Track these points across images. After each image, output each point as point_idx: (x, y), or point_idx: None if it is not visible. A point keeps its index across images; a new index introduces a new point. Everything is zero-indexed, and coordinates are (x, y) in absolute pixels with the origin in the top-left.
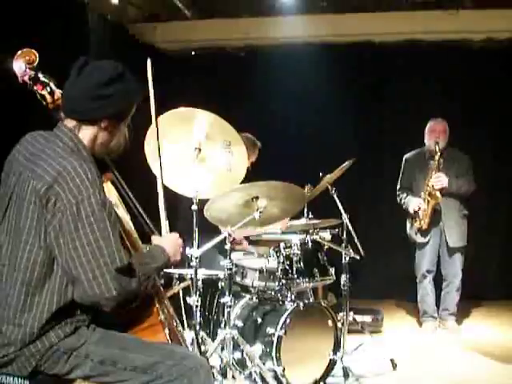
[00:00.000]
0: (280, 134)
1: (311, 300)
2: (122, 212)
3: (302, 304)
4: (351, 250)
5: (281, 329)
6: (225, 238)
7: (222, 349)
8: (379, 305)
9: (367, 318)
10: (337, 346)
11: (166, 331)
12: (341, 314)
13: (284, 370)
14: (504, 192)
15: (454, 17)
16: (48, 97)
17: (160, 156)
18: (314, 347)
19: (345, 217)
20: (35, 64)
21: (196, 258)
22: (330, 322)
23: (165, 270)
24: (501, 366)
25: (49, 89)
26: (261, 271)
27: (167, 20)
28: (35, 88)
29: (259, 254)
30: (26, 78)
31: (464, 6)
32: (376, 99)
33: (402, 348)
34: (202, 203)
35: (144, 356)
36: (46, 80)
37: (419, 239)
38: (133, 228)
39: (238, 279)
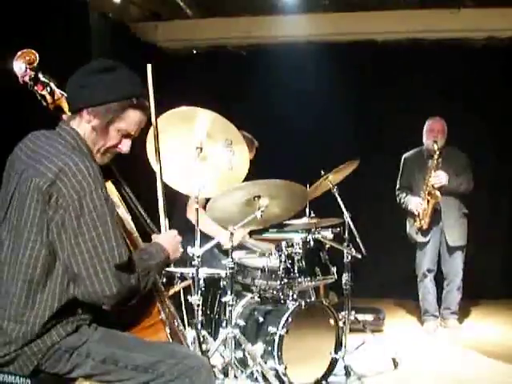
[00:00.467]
0: (281, 133)
1: (313, 299)
2: (122, 212)
3: (303, 303)
4: (353, 249)
5: (282, 328)
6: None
7: (224, 348)
8: (381, 304)
9: (369, 317)
10: (338, 345)
11: (167, 330)
12: (342, 313)
13: (286, 368)
14: (505, 191)
15: (456, 16)
16: (48, 97)
17: (159, 155)
18: (315, 346)
19: (346, 216)
20: (35, 64)
21: (198, 256)
22: (331, 321)
23: (166, 269)
24: (502, 365)
25: (49, 89)
26: (262, 270)
27: (169, 19)
28: (35, 88)
29: (261, 253)
30: (27, 79)
31: (466, 5)
32: (377, 98)
33: (403, 347)
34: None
35: (145, 355)
36: (47, 80)
37: (420, 239)
38: (134, 228)
39: (239, 278)
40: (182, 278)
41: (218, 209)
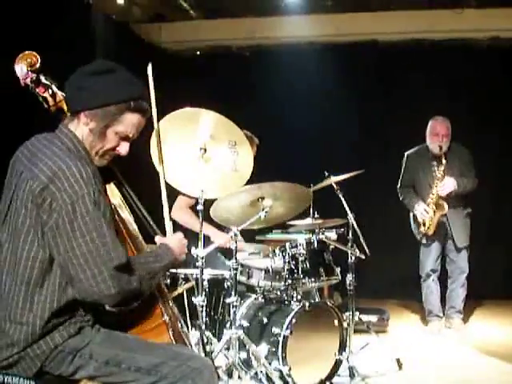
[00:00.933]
0: (284, 133)
1: (317, 300)
2: (125, 214)
3: (307, 304)
4: (357, 250)
5: (287, 329)
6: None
7: (228, 349)
8: (385, 304)
9: (373, 318)
10: (343, 346)
11: (171, 332)
12: (346, 314)
13: (290, 369)
14: (509, 191)
15: (459, 16)
16: (50, 99)
17: (162, 157)
18: (319, 347)
19: (350, 216)
20: (37, 66)
21: (202, 258)
22: (335, 322)
23: (170, 271)
24: (507, 365)
25: (50, 91)
26: (266, 271)
27: (172, 20)
28: (37, 90)
29: (265, 254)
30: (28, 81)
31: (469, 5)
32: (381, 98)
33: (407, 348)
34: (208, 203)
35: (148, 357)
36: (48, 82)
37: (424, 241)
38: (137, 229)
39: (243, 279)
40: (186, 279)
41: (222, 209)
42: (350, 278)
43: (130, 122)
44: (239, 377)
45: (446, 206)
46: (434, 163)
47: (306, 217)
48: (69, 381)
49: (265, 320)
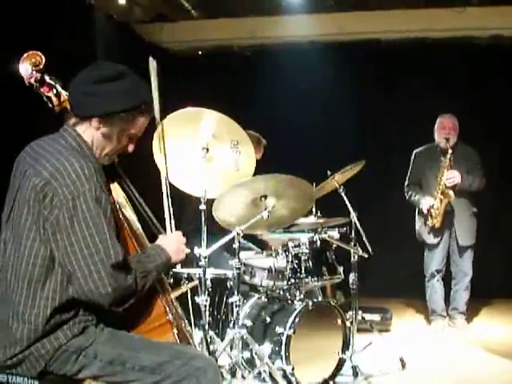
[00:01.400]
0: (287, 133)
1: (320, 299)
2: (129, 212)
3: (310, 303)
4: (359, 249)
5: (290, 328)
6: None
7: (231, 348)
8: (388, 303)
9: (376, 317)
10: (346, 345)
11: (175, 331)
12: (350, 313)
13: (293, 369)
14: (510, 191)
15: (461, 14)
16: (54, 99)
17: (165, 156)
18: (322, 346)
19: (353, 215)
20: (41, 66)
21: (205, 257)
22: (338, 321)
23: (174, 270)
24: (509, 364)
25: (55, 91)
26: (269, 270)
27: (174, 20)
28: (41, 90)
29: (268, 253)
30: (32, 81)
31: (470, 4)
32: (383, 97)
33: (411, 347)
34: (210, 203)
35: (152, 356)
36: (52, 82)
37: (430, 240)
38: (140, 228)
39: (246, 278)
40: (189, 278)
41: (223, 210)
42: (352, 276)
43: (141, 124)
44: (242, 376)
45: (451, 193)
46: (442, 160)
47: (308, 215)
48: (73, 380)
49: (268, 319)
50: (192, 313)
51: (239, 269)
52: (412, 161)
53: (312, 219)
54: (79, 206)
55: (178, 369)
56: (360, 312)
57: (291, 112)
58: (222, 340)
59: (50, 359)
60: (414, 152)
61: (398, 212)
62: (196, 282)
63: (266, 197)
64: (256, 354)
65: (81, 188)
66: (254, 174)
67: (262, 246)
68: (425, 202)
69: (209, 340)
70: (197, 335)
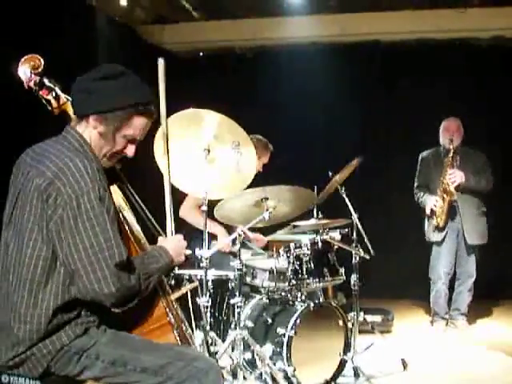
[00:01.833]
0: (288, 134)
1: (321, 300)
2: (129, 215)
3: (312, 304)
4: (361, 250)
5: (291, 329)
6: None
7: (233, 349)
8: (389, 304)
9: (377, 318)
10: (347, 346)
11: (175, 332)
12: (351, 314)
13: (295, 370)
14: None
15: (463, 15)
16: (53, 102)
17: (168, 157)
18: (324, 347)
19: (354, 216)
20: (40, 69)
21: (206, 258)
22: (340, 322)
23: (175, 272)
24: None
25: (54, 94)
26: (271, 272)
27: (175, 21)
28: (41, 93)
29: (269, 255)
30: (32, 84)
31: (472, 5)
32: (384, 98)
33: (412, 348)
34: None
35: (154, 357)
36: (52, 85)
37: (435, 237)
38: (140, 230)
39: (248, 280)
40: (190, 280)
41: (226, 209)
42: (354, 278)
43: (138, 125)
44: (244, 377)
45: (453, 191)
46: (446, 160)
47: (310, 217)
48: (74, 381)
49: (269, 320)
50: (193, 314)
51: (241, 270)
52: (419, 164)
53: (313, 220)
54: (83, 205)
55: (179, 370)
56: (361, 313)
57: (293, 113)
58: (224, 341)
59: (51, 360)
60: (421, 155)
61: (398, 213)
62: (196, 284)
63: (267, 198)
64: (257, 355)
65: (84, 187)
66: (260, 177)
67: (264, 247)
68: (429, 202)
69: (210, 341)
70: (198, 336)
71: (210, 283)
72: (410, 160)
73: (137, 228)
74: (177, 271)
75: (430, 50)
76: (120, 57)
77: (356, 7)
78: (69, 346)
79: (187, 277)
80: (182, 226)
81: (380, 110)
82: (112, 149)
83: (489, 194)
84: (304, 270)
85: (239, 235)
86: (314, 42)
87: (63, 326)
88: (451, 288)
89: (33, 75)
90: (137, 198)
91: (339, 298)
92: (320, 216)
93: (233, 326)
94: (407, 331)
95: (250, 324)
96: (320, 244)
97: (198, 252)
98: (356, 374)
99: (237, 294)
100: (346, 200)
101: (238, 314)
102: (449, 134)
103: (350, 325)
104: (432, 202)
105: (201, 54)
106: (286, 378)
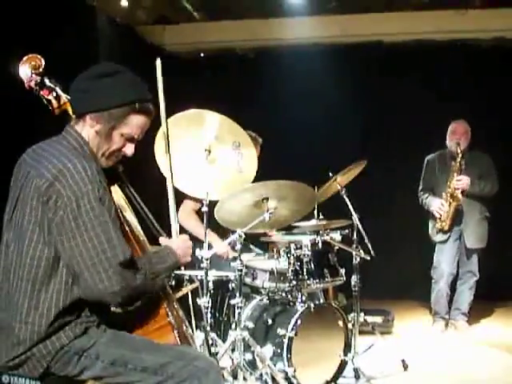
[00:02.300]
0: (289, 135)
1: (322, 301)
2: (129, 215)
3: (312, 305)
4: (361, 251)
5: (291, 330)
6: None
7: (233, 350)
8: (389, 305)
9: (378, 319)
10: (348, 347)
11: (176, 333)
12: (351, 315)
13: (295, 371)
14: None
15: (463, 16)
16: (54, 102)
17: (170, 158)
18: (324, 348)
19: (355, 217)
20: (41, 69)
21: (206, 259)
22: (340, 323)
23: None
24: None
25: (55, 94)
26: (271, 272)
27: (176, 22)
28: (41, 93)
29: (270, 255)
30: (32, 84)
31: (473, 6)
32: (385, 99)
33: (412, 349)
34: (213, 205)
35: (154, 357)
36: (52, 85)
37: (438, 238)
38: (141, 231)
39: (248, 280)
40: (191, 280)
41: (225, 211)
42: (354, 279)
43: (135, 123)
44: (244, 378)
45: (460, 196)
46: (453, 164)
47: (310, 218)
48: (75, 381)
49: (270, 321)
50: (194, 315)
51: (241, 271)
52: (424, 167)
53: (314, 221)
54: (83, 206)
55: (180, 370)
56: (362, 314)
57: (294, 113)
58: (224, 342)
59: (51, 360)
60: (426, 158)
61: (399, 214)
62: (197, 284)
63: (267, 199)
64: (258, 355)
65: (84, 188)
66: (257, 175)
67: (264, 247)
68: (434, 204)
69: (210, 342)
70: (198, 337)
71: (210, 284)
72: (411, 160)
73: (138, 228)
74: (177, 272)
75: (431, 50)
76: (121, 57)
77: (357, 8)
78: (68, 346)
79: (188, 277)
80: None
81: (381, 111)
82: (110, 148)
83: (493, 197)
84: (304, 270)
85: (240, 236)
86: (315, 42)
87: (63, 327)
88: (453, 289)
89: (33, 75)
90: (138, 198)
91: (340, 298)
92: (321, 217)
93: (233, 326)
94: (408, 332)
95: (250, 325)
96: (320, 245)
97: (198, 253)
98: (356, 375)
99: (237, 294)
100: (347, 201)
101: (239, 314)
102: (456, 137)
103: (350, 326)
104: (437, 204)
105: (202, 54)
106: (287, 378)
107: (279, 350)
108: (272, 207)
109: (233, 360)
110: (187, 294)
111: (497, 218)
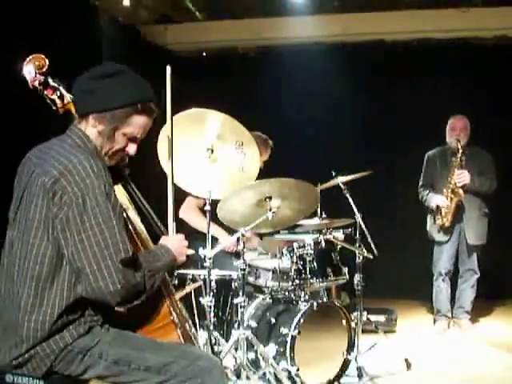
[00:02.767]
0: (291, 134)
1: (325, 300)
2: (132, 214)
3: (315, 304)
4: (364, 250)
5: (294, 329)
6: (238, 238)
7: (236, 349)
8: (393, 304)
9: (381, 318)
10: (351, 346)
11: (179, 331)
12: (354, 314)
13: (298, 370)
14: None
15: (466, 15)
16: (58, 101)
17: (172, 157)
18: (327, 347)
19: (358, 216)
20: (45, 69)
21: (209, 258)
22: (343, 322)
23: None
24: None
25: (59, 93)
26: (274, 271)
27: (178, 21)
28: (45, 93)
29: (272, 254)
30: (36, 83)
31: (475, 4)
32: (387, 98)
33: (416, 347)
34: (215, 203)
35: (158, 356)
36: (56, 85)
37: (439, 238)
38: (144, 230)
39: (251, 279)
40: (194, 279)
41: (228, 210)
42: (357, 277)
43: (137, 123)
44: (247, 377)
45: (461, 192)
46: (453, 160)
47: (313, 217)
48: (78, 381)
49: (273, 320)
50: (197, 314)
51: (244, 270)
52: (425, 163)
53: (317, 220)
54: (88, 202)
55: (183, 369)
56: (365, 313)
57: (295, 113)
58: (227, 341)
59: (55, 359)
60: (427, 154)
61: (402, 213)
62: (200, 283)
63: (270, 198)
64: (261, 354)
65: (90, 185)
66: (261, 176)
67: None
68: (435, 200)
69: (213, 341)
70: (201, 336)
71: (213, 283)
72: (413, 159)
73: (141, 227)
74: (180, 271)
75: (433, 49)
76: (123, 57)
77: (359, 7)
78: (72, 345)
79: (191, 276)
80: (181, 226)
81: (383, 110)
82: (112, 147)
83: (491, 194)
84: (307, 269)
85: (242, 235)
86: (316, 41)
87: (67, 326)
88: (454, 288)
89: (37, 75)
90: (140, 197)
91: (343, 297)
92: (323, 216)
93: (236, 325)
94: (411, 331)
95: (253, 324)
96: (323, 244)
97: (201, 252)
98: (359, 374)
99: (240, 293)
100: (350, 200)
101: (242, 313)
102: (455, 132)
103: (353, 324)
104: (438, 200)
105: (204, 54)
106: (290, 377)
107: (282, 349)
108: (275, 206)
109: (236, 359)
110: (190, 293)
111: (497, 218)
